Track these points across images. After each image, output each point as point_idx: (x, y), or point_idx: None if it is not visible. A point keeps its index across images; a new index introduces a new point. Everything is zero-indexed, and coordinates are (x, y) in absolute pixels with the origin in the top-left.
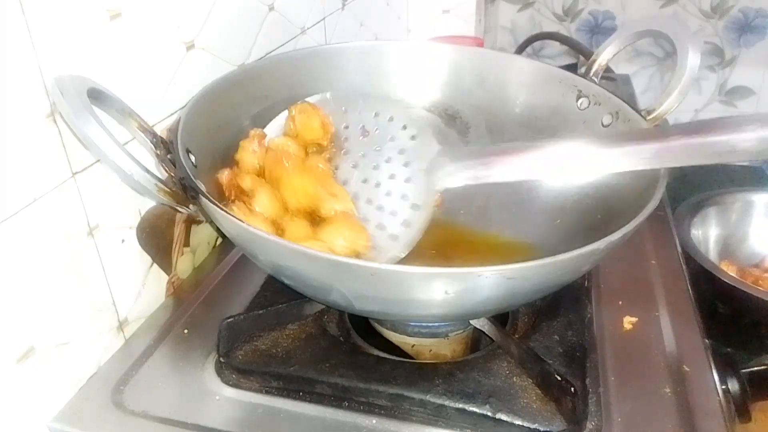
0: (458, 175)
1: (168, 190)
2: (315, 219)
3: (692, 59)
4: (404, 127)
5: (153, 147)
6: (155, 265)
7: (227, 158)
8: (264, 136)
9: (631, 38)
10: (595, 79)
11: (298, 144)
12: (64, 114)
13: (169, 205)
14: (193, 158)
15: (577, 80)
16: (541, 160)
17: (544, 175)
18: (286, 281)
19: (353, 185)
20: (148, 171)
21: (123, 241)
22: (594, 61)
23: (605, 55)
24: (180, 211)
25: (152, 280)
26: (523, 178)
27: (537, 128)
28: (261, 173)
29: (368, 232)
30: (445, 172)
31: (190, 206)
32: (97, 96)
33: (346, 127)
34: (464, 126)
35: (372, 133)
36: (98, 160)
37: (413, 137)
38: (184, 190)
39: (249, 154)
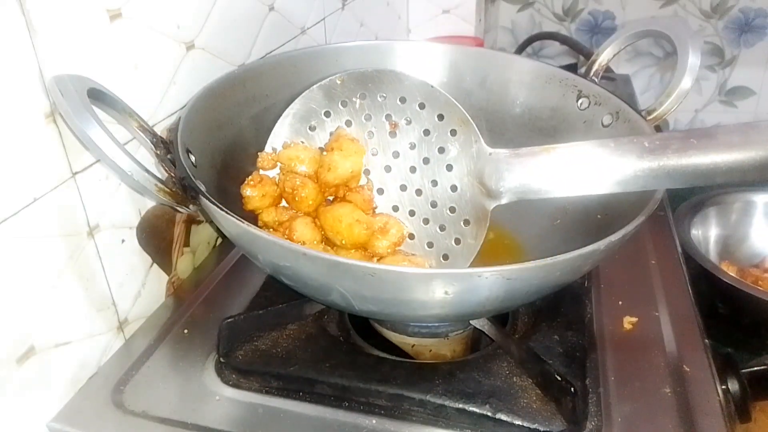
0: (514, 192)
1: (168, 189)
2: (370, 254)
3: (692, 59)
4: (440, 117)
5: (153, 147)
6: (155, 265)
7: (227, 158)
8: (260, 178)
9: (632, 38)
10: (596, 79)
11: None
12: (64, 114)
13: (169, 205)
14: (193, 158)
15: (578, 80)
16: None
17: (609, 190)
18: (286, 281)
19: (391, 194)
20: (147, 171)
21: (123, 241)
22: (594, 61)
23: (605, 55)
24: (180, 211)
25: (152, 280)
26: (585, 193)
27: (537, 128)
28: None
29: (425, 262)
30: (497, 186)
31: (190, 206)
32: (97, 96)
33: (368, 118)
34: None
35: (401, 125)
36: (98, 160)
37: (453, 132)
38: (184, 189)
39: (258, 199)
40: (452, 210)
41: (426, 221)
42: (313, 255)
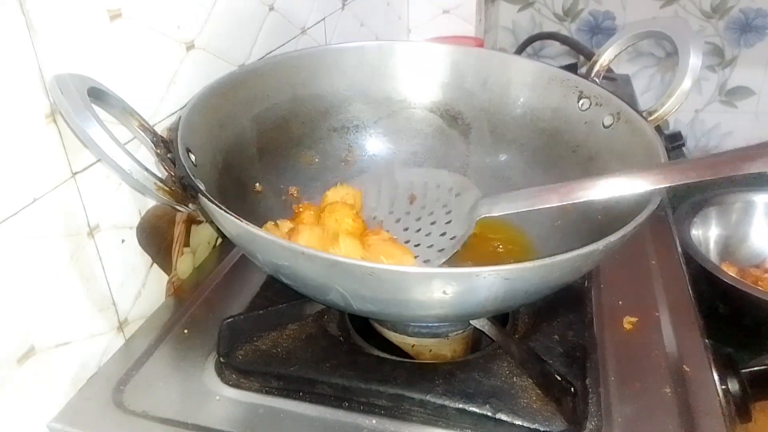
0: (497, 207)
1: (168, 189)
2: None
3: (693, 60)
4: (450, 189)
5: (153, 146)
6: (155, 265)
7: (228, 158)
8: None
9: (633, 39)
10: (597, 80)
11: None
12: (64, 113)
13: (169, 205)
14: (193, 157)
15: (579, 81)
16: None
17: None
18: (285, 281)
19: (393, 231)
20: (147, 170)
21: (123, 241)
22: (595, 62)
23: (607, 55)
24: (180, 211)
25: (152, 280)
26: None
27: (539, 129)
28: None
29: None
30: (482, 206)
31: (190, 205)
32: (97, 95)
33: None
34: (466, 127)
35: (419, 197)
36: (98, 160)
37: (458, 195)
38: (184, 189)
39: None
40: (444, 234)
41: (418, 245)
42: (311, 254)
